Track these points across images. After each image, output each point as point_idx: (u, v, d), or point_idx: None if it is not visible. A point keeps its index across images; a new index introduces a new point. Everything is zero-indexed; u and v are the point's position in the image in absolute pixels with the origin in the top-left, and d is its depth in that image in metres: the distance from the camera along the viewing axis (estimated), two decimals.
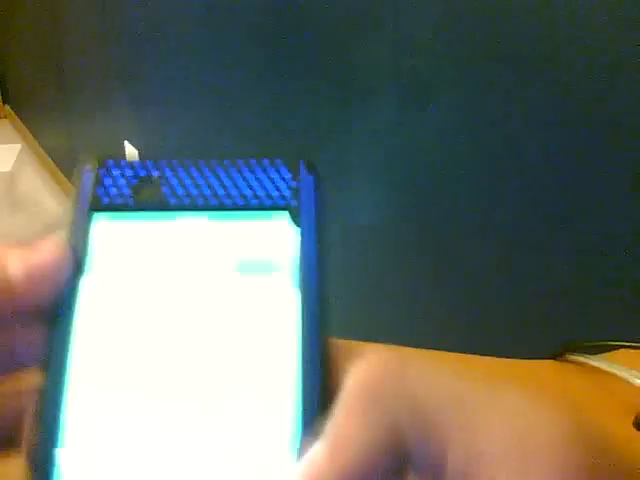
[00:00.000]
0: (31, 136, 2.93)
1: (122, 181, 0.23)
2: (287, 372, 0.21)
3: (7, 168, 2.84)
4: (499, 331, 0.90)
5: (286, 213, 0.23)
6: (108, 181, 0.23)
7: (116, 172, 0.24)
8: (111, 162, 0.24)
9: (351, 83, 1.04)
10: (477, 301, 0.93)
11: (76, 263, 0.22)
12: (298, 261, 0.22)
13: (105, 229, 0.23)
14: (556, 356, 0.56)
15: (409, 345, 0.57)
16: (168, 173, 0.24)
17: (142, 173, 0.24)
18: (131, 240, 0.22)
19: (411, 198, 0.99)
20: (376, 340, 0.58)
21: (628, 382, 0.50)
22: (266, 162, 0.25)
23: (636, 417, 0.50)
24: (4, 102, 3.20)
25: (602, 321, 0.76)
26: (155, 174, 0.24)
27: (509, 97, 0.79)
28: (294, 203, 0.24)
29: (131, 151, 1.94)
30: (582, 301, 0.78)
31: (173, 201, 0.23)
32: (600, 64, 0.68)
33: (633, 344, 0.53)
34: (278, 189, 0.24)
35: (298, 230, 0.23)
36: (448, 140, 0.90)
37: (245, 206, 0.24)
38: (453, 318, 0.98)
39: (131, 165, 0.24)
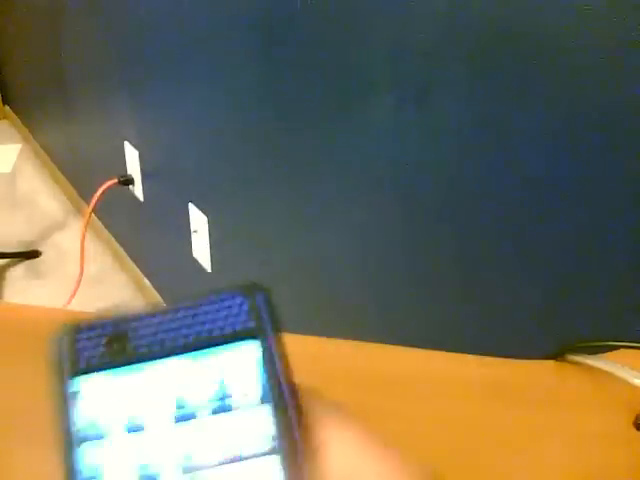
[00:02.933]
0: (31, 136, 2.93)
1: (96, 342, 0.26)
2: None
3: (7, 168, 2.84)
4: (499, 331, 0.90)
5: (256, 342, 0.26)
6: (84, 345, 0.26)
7: (90, 335, 0.26)
8: (84, 327, 0.26)
9: (351, 83, 1.04)
10: (477, 301, 0.93)
11: (68, 430, 0.25)
12: (267, 380, 0.25)
13: (89, 389, 0.25)
14: (556, 356, 0.56)
15: (409, 345, 0.57)
16: (137, 326, 0.26)
17: (111, 331, 0.26)
18: (115, 395, 0.25)
19: (411, 198, 0.99)
20: (376, 340, 0.58)
21: (628, 382, 0.50)
22: (223, 295, 0.27)
23: (636, 417, 0.50)
24: (4, 102, 3.20)
25: (602, 321, 0.76)
26: (124, 329, 0.26)
27: (509, 97, 0.79)
28: (258, 331, 0.26)
29: (131, 151, 1.95)
30: (582, 301, 0.78)
31: (144, 352, 0.26)
32: (602, 64, 0.68)
33: (633, 344, 0.53)
34: (241, 321, 0.26)
35: (265, 351, 0.26)
36: (448, 140, 0.90)
37: (213, 342, 0.26)
38: (453, 318, 0.98)
39: (103, 325, 0.26)
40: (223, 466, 0.24)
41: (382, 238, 1.08)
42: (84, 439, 0.25)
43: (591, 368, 0.53)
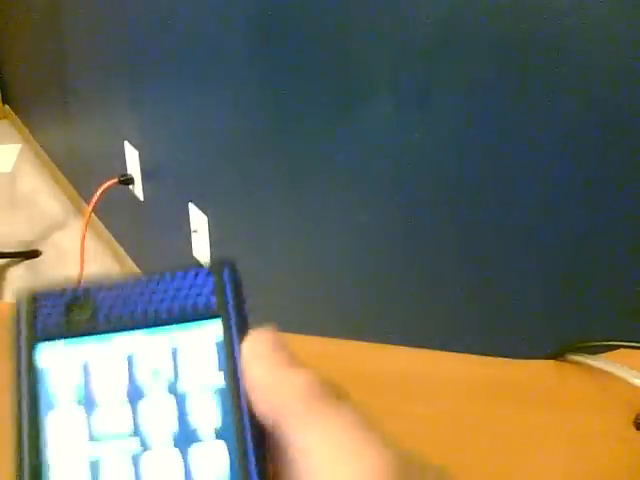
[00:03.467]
0: (31, 136, 2.93)
1: (56, 310, 0.25)
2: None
3: (7, 168, 2.85)
4: (499, 331, 0.90)
5: (218, 320, 0.25)
6: (43, 312, 0.25)
7: (49, 302, 0.25)
8: (44, 294, 0.26)
9: (351, 83, 1.04)
10: (477, 301, 0.93)
11: (30, 392, 0.24)
12: (228, 364, 0.25)
13: (47, 357, 0.25)
14: (556, 356, 0.56)
15: (409, 345, 0.57)
16: (99, 296, 0.25)
17: (73, 300, 0.25)
18: (71, 365, 0.25)
19: (411, 198, 0.99)
20: (376, 340, 0.58)
21: (628, 382, 0.50)
22: (190, 272, 0.26)
23: (636, 417, 0.50)
24: (4, 102, 3.19)
25: (602, 321, 0.76)
26: (86, 299, 0.25)
27: (509, 97, 0.79)
28: (223, 307, 0.25)
29: (131, 151, 1.95)
30: (582, 301, 0.78)
31: (105, 323, 0.25)
32: (603, 64, 0.68)
33: (633, 344, 0.53)
34: (205, 297, 0.26)
35: (228, 332, 0.25)
36: (447, 140, 0.90)
37: (177, 318, 0.25)
38: (452, 318, 0.98)
39: (63, 293, 0.25)
40: (167, 449, 0.24)
41: (382, 238, 1.08)
42: (37, 408, 0.24)
43: (591, 368, 0.53)
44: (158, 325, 0.25)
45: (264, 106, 1.28)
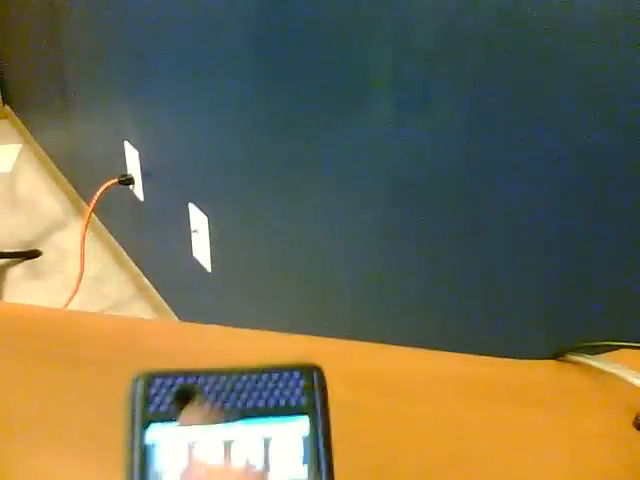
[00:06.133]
0: (31, 136, 2.93)
1: (167, 395, 0.29)
2: None
3: (7, 168, 2.85)
4: (499, 331, 0.91)
5: (306, 417, 0.29)
6: (156, 395, 0.29)
7: (162, 386, 0.29)
8: (158, 376, 0.29)
9: (351, 84, 1.04)
10: (476, 301, 0.93)
11: (140, 468, 0.27)
12: (315, 457, 0.28)
13: (156, 437, 0.28)
14: (556, 356, 0.56)
15: (409, 345, 0.57)
16: (206, 388, 0.29)
17: (184, 388, 0.29)
18: (177, 445, 0.28)
19: (411, 198, 0.99)
20: (376, 340, 0.58)
21: (628, 382, 0.50)
22: (285, 372, 0.30)
23: (636, 417, 0.50)
24: (4, 102, 3.20)
25: (602, 321, 0.76)
26: (195, 388, 0.29)
27: (509, 98, 0.79)
28: (310, 407, 0.29)
29: (131, 151, 1.95)
30: (582, 301, 0.78)
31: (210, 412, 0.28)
32: (603, 64, 0.69)
33: (633, 344, 0.53)
34: (296, 397, 0.29)
35: (313, 430, 0.28)
36: (447, 140, 0.90)
37: (271, 414, 0.29)
38: (452, 318, 0.98)
39: (175, 380, 0.29)
40: None
41: (382, 238, 1.08)
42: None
43: (591, 368, 0.53)
44: (254, 417, 0.28)
45: (264, 106, 1.28)
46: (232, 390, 0.29)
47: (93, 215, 2.17)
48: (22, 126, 3.03)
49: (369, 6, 0.96)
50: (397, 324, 1.10)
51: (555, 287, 0.81)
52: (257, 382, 0.29)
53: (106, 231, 2.36)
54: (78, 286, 2.12)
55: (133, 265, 2.22)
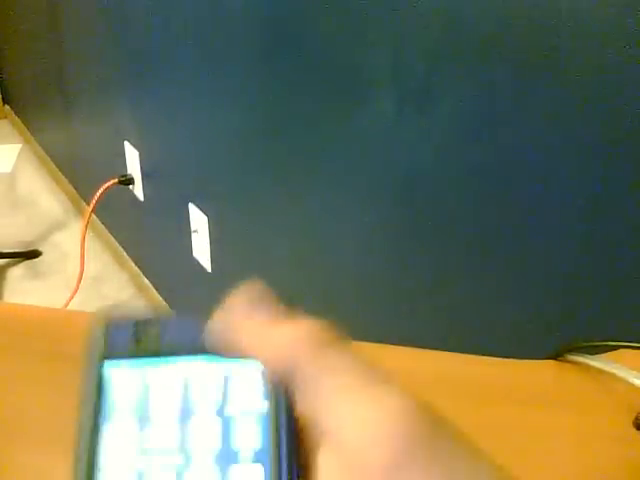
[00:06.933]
0: (31, 136, 2.93)
1: (126, 333, 0.28)
2: None
3: (7, 168, 2.84)
4: (499, 331, 0.90)
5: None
6: (114, 333, 0.28)
7: (121, 325, 0.28)
8: (117, 318, 0.29)
9: (351, 84, 1.04)
10: (477, 301, 0.93)
11: (94, 403, 0.27)
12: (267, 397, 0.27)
13: (112, 374, 0.28)
14: (556, 356, 0.56)
15: (409, 345, 0.57)
16: (167, 325, 0.28)
17: (143, 326, 0.28)
18: (133, 383, 0.27)
19: (411, 198, 0.99)
20: (376, 340, 0.58)
21: (628, 382, 0.50)
22: None
23: (636, 417, 0.50)
24: (4, 102, 3.19)
25: (602, 321, 0.76)
26: (154, 326, 0.28)
27: (509, 98, 0.79)
28: None
29: (131, 151, 1.95)
30: (582, 301, 0.78)
31: (169, 348, 0.28)
32: (602, 64, 0.68)
33: (633, 344, 0.53)
34: None
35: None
36: (447, 141, 0.90)
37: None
38: (452, 318, 0.98)
39: (134, 319, 0.29)
40: (208, 467, 0.26)
41: (382, 238, 1.08)
42: (98, 418, 0.27)
43: (591, 368, 0.53)
44: (214, 354, 0.27)
45: (264, 106, 1.28)
46: (193, 328, 0.28)
47: (93, 215, 2.17)
48: (22, 126, 3.03)
49: (371, 5, 0.96)
50: (397, 324, 1.10)
51: (555, 287, 0.81)
52: None
53: (106, 231, 2.36)
54: (78, 286, 2.12)
55: (133, 265, 2.22)
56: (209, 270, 1.69)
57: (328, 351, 0.24)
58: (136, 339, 0.28)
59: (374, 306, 1.15)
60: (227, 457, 0.26)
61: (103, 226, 2.37)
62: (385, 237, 1.07)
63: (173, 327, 0.28)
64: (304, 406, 0.24)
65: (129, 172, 2.00)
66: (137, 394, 0.27)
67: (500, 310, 0.89)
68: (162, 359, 0.28)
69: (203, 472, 0.26)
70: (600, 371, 0.52)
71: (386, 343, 0.57)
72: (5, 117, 3.21)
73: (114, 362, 0.28)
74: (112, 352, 0.28)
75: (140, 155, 1.91)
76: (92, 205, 2.05)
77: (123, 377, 0.27)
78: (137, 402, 0.27)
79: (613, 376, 0.51)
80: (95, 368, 0.28)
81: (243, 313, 0.26)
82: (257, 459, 0.26)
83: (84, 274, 2.12)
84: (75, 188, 2.57)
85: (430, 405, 0.23)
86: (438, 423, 0.23)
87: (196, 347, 0.27)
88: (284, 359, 0.24)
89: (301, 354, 0.24)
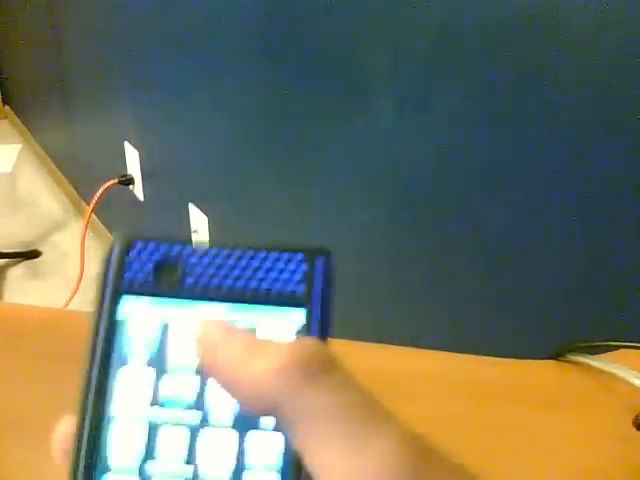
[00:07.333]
0: (31, 136, 2.93)
1: (146, 266, 0.25)
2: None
3: (7, 168, 2.84)
4: (499, 331, 0.90)
5: (302, 310, 0.25)
6: (133, 264, 0.25)
7: (141, 256, 0.25)
8: (138, 243, 0.25)
9: (351, 84, 1.04)
10: (477, 301, 0.93)
11: (106, 343, 0.24)
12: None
13: (128, 311, 0.25)
14: (556, 356, 0.56)
15: (409, 345, 0.57)
16: (190, 261, 0.25)
17: (165, 259, 0.25)
18: (151, 323, 0.24)
19: (410, 198, 0.99)
20: (376, 340, 0.58)
21: (628, 382, 0.50)
22: (284, 254, 0.26)
23: (636, 417, 0.50)
24: (4, 102, 3.19)
25: (602, 321, 0.76)
26: (177, 261, 0.25)
27: (509, 99, 0.79)
28: (308, 299, 0.25)
29: (131, 151, 1.95)
30: (582, 301, 0.78)
31: (191, 289, 0.25)
32: (602, 64, 0.69)
33: (633, 344, 0.53)
34: (294, 283, 0.25)
35: (308, 324, 0.25)
36: (447, 141, 0.90)
37: (262, 300, 0.25)
38: (453, 318, 0.98)
39: (156, 249, 0.25)
40: (225, 429, 0.23)
41: (382, 238, 1.08)
42: (110, 361, 0.24)
43: (591, 368, 0.53)
44: (242, 302, 0.24)
45: (264, 106, 1.28)
46: (221, 266, 0.25)
47: (93, 215, 2.16)
48: (22, 126, 3.03)
49: (372, 5, 0.96)
50: (397, 324, 1.10)
51: (555, 287, 0.81)
52: (251, 260, 0.25)
53: (106, 231, 2.36)
54: (78, 286, 2.12)
55: None
56: None
57: (305, 391, 0.21)
58: (157, 274, 0.25)
59: (374, 306, 1.15)
60: (246, 421, 0.23)
61: (103, 226, 2.37)
62: (385, 237, 1.07)
63: (198, 264, 0.25)
64: (290, 443, 0.22)
65: (129, 172, 2.00)
66: (154, 338, 0.24)
67: (501, 310, 0.89)
68: (184, 301, 0.24)
69: (219, 433, 0.23)
70: (601, 371, 0.52)
71: (386, 343, 0.57)
72: (5, 117, 3.21)
73: (131, 298, 0.25)
74: (130, 286, 0.25)
75: (140, 155, 1.91)
76: (92, 205, 2.04)
77: (139, 317, 0.24)
78: (153, 347, 0.24)
79: (613, 376, 0.51)
80: (109, 304, 0.25)
81: (213, 348, 0.23)
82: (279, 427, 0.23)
83: (84, 274, 2.12)
84: (75, 188, 2.57)
85: (420, 440, 0.22)
86: (425, 466, 0.21)
87: (220, 292, 0.25)
88: (260, 399, 0.22)
89: (276, 395, 0.21)
